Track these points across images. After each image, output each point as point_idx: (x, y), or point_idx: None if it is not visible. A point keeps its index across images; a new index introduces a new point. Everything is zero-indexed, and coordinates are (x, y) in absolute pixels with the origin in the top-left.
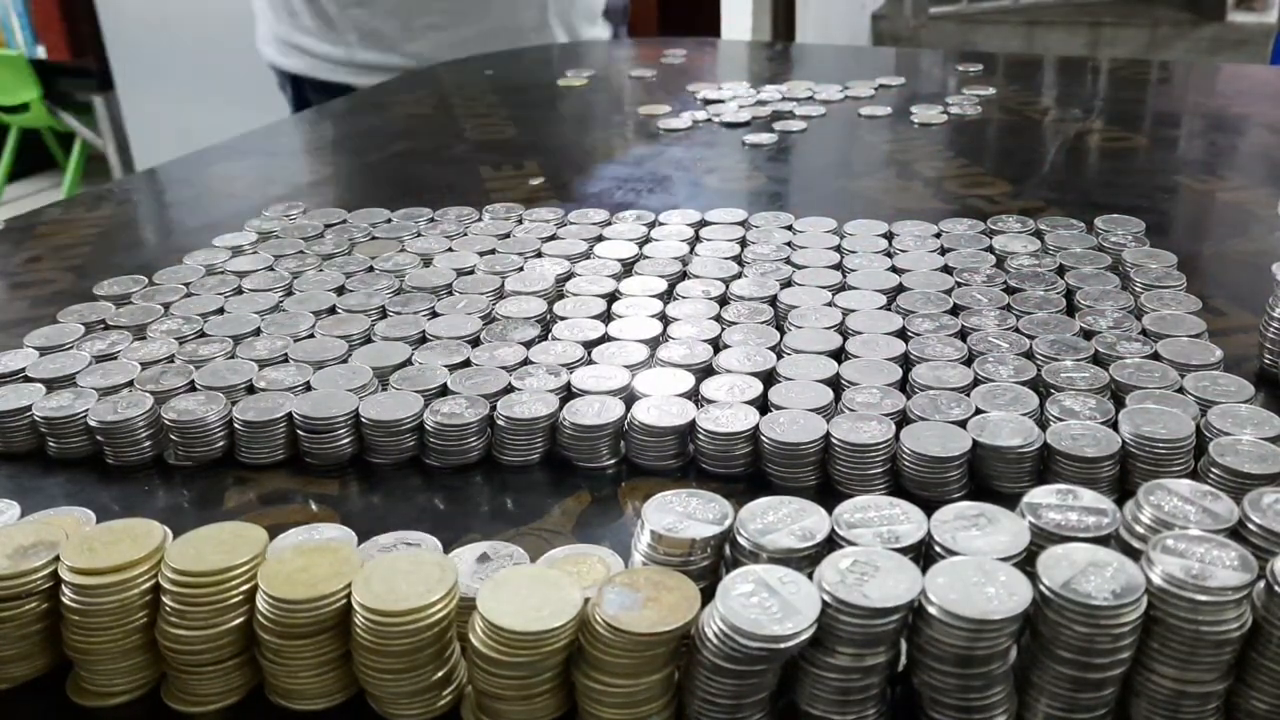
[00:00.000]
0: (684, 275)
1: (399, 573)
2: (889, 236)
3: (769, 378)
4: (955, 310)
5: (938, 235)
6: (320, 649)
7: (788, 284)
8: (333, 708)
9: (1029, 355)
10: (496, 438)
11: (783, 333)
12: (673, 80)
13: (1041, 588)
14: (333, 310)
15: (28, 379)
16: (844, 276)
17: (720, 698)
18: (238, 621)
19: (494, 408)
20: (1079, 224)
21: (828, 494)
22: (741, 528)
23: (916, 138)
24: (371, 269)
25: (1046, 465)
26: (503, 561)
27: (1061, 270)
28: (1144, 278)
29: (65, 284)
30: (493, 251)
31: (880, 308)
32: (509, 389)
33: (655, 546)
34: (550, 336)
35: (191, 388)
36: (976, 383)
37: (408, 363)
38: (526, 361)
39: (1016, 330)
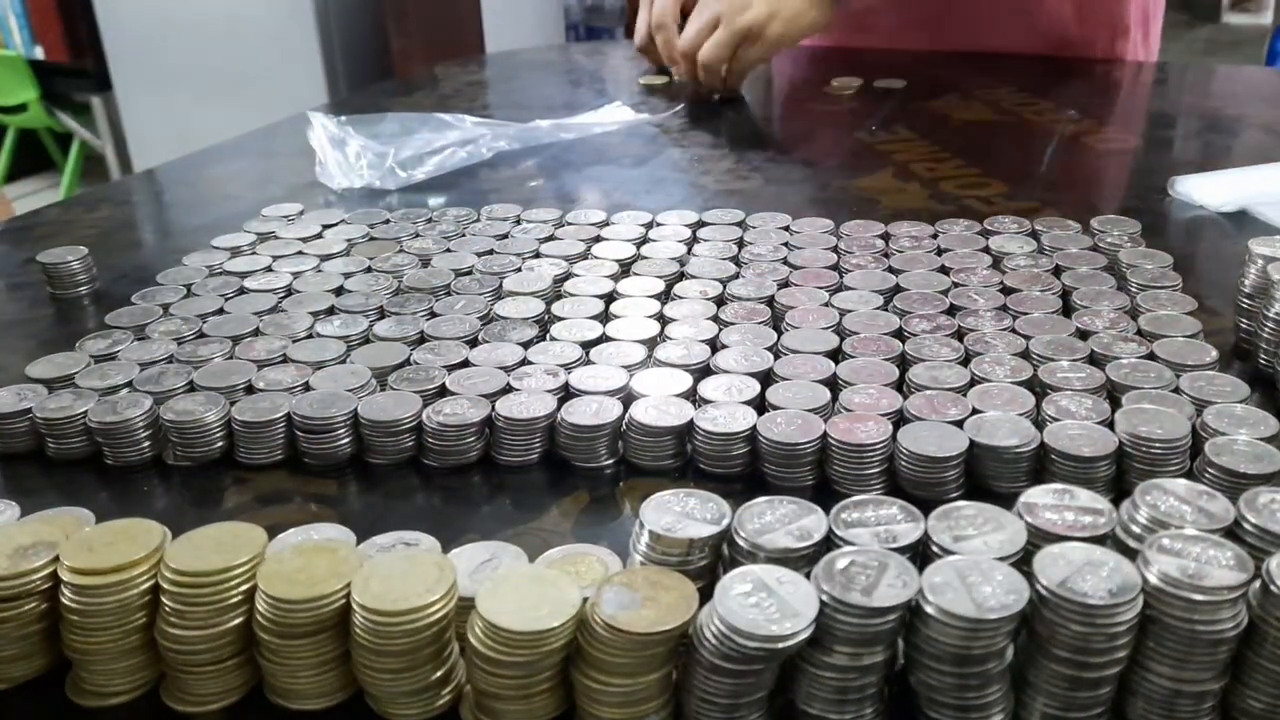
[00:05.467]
0: (681, 276)
1: (398, 573)
2: (886, 237)
3: (766, 378)
4: (952, 310)
5: (934, 236)
6: (319, 649)
7: (785, 284)
8: (332, 707)
9: (1025, 355)
10: (495, 438)
11: (780, 333)
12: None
13: (1038, 587)
14: (332, 310)
15: (28, 379)
16: (841, 277)
17: (718, 697)
18: (237, 621)
19: (493, 408)
20: (1075, 224)
21: (825, 494)
22: (739, 528)
23: (916, 139)
24: (370, 269)
25: (1043, 465)
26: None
27: (1058, 270)
28: (1140, 278)
29: None
30: (490, 252)
31: (877, 308)
32: (507, 389)
33: (653, 546)
34: (548, 337)
35: (190, 388)
36: (973, 383)
37: (406, 363)
38: (525, 362)
39: (1013, 330)
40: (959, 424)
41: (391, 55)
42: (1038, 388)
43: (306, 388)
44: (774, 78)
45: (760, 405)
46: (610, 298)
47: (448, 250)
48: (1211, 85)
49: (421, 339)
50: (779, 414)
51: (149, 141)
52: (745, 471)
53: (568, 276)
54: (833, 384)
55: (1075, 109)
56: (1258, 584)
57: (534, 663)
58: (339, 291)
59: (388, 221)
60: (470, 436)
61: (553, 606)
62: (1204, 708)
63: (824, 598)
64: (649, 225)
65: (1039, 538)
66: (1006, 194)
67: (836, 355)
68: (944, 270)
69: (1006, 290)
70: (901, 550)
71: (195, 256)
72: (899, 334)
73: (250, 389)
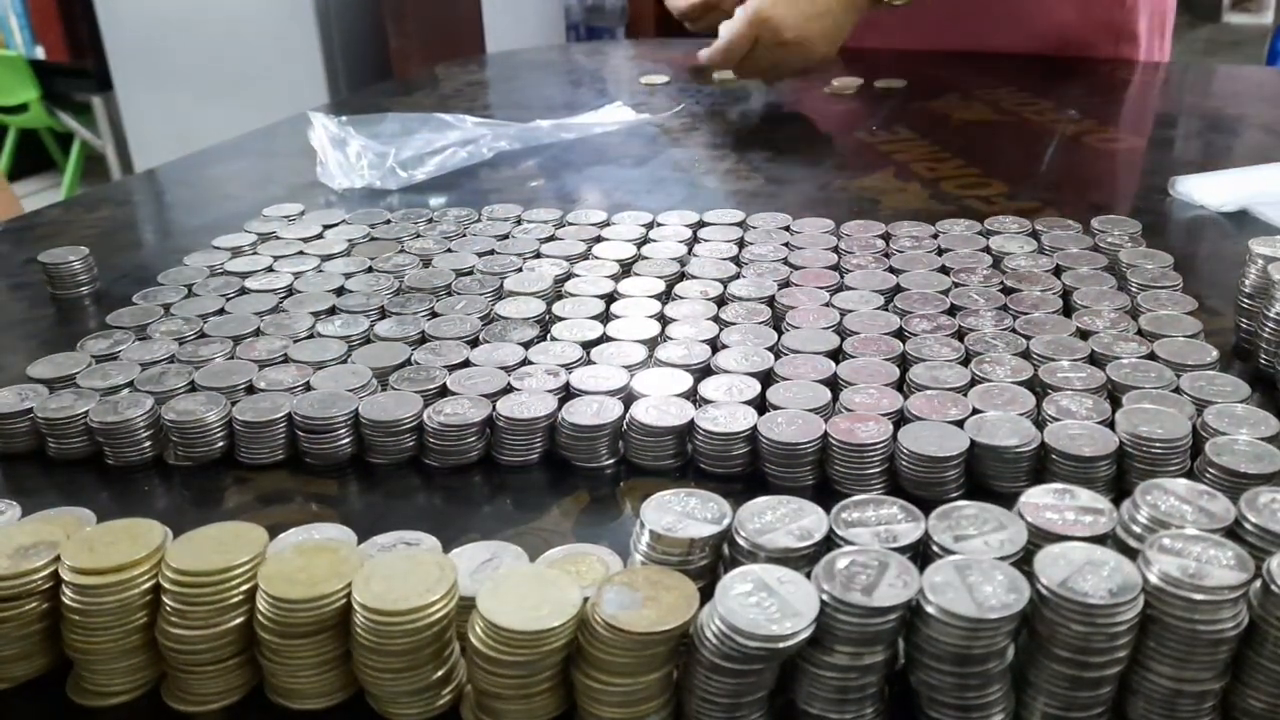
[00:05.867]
0: (682, 276)
1: (398, 572)
2: (886, 237)
3: (767, 378)
4: (952, 310)
5: (935, 236)
6: (320, 648)
7: (785, 284)
8: (332, 707)
9: (1026, 355)
10: (495, 438)
11: (780, 333)
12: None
13: (1039, 587)
14: (333, 310)
15: (29, 379)
16: (841, 277)
17: (719, 696)
18: (238, 621)
19: (493, 408)
20: (1075, 224)
21: (826, 494)
22: (740, 527)
23: (916, 139)
24: (371, 269)
25: (1044, 465)
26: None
27: (1058, 270)
28: (1140, 278)
29: None
30: (491, 252)
31: (878, 308)
32: (508, 389)
33: (654, 546)
34: (549, 337)
35: (191, 388)
36: (974, 383)
37: (407, 363)
38: (525, 362)
39: (1013, 330)
40: (959, 424)
41: (390, 55)
42: (1038, 388)
43: (307, 388)
44: None
45: (761, 405)
46: (611, 298)
47: (448, 250)
48: (1212, 85)
49: (422, 339)
50: (779, 414)
51: (149, 141)
52: (746, 471)
53: (568, 276)
54: (833, 384)
55: (1075, 109)
56: (1258, 584)
57: (534, 662)
58: (340, 291)
59: (389, 222)
60: (471, 436)
61: (553, 606)
62: (1204, 707)
63: (824, 597)
64: (649, 225)
65: (1039, 537)
66: (1007, 194)
67: (837, 355)
68: (944, 270)
69: (1007, 290)
70: (902, 550)
71: (196, 256)
72: (899, 334)
73: (251, 389)
